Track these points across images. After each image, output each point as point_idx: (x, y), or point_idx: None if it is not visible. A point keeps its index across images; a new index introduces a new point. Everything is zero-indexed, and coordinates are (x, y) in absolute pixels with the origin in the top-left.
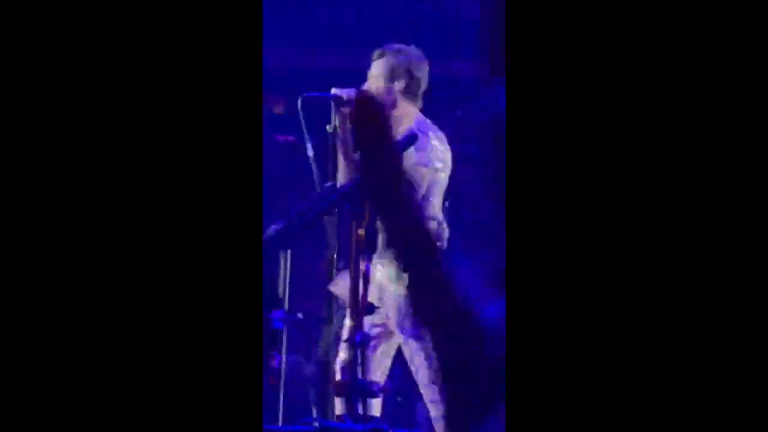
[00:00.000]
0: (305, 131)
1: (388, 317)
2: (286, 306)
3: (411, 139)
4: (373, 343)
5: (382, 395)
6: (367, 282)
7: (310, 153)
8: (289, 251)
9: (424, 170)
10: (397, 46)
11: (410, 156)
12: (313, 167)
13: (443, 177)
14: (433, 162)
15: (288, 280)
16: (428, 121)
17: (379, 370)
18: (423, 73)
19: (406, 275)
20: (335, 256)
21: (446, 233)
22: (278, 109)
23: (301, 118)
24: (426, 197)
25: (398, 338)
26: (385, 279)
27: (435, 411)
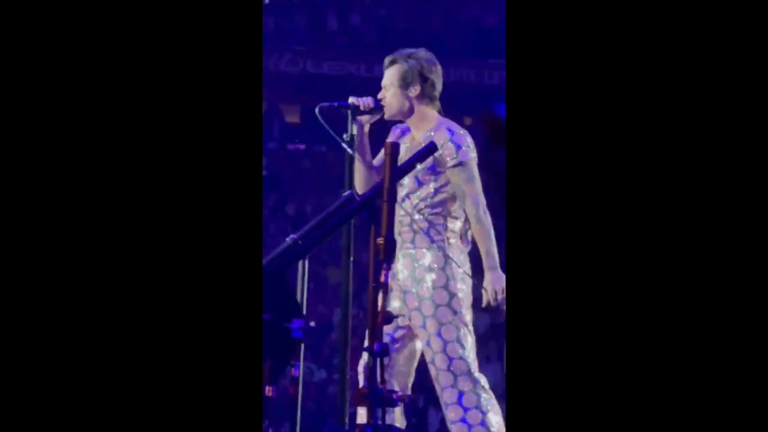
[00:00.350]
0: (335, 135)
1: (410, 320)
2: (304, 313)
3: (431, 149)
4: (397, 345)
5: (401, 404)
6: (386, 291)
7: (351, 151)
8: (306, 259)
9: (470, 164)
10: (407, 51)
11: (452, 155)
12: (354, 166)
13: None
14: (471, 156)
15: (306, 287)
16: (449, 122)
17: (404, 374)
18: (436, 76)
19: (426, 277)
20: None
21: (470, 234)
22: (292, 118)
23: (326, 126)
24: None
25: (421, 341)
26: (407, 282)
27: (454, 414)
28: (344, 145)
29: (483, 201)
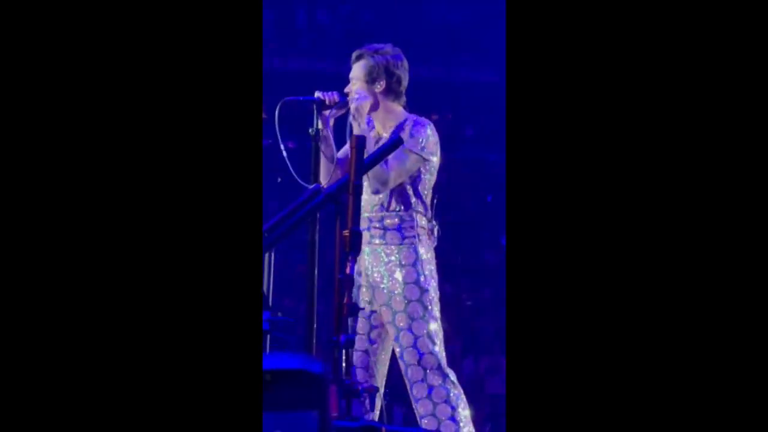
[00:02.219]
0: (278, 134)
1: (380, 315)
2: (270, 305)
3: (396, 143)
4: (375, 346)
5: (366, 395)
6: (351, 283)
7: (285, 154)
8: (272, 251)
9: (412, 156)
10: (374, 46)
11: (404, 139)
12: (290, 167)
13: (434, 170)
14: (422, 152)
15: (272, 279)
16: (418, 117)
17: (382, 370)
18: (402, 71)
19: (397, 273)
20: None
21: (437, 230)
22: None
23: (276, 122)
24: (417, 188)
25: (390, 336)
26: (376, 277)
27: (423, 409)
28: (282, 147)
29: (385, 174)
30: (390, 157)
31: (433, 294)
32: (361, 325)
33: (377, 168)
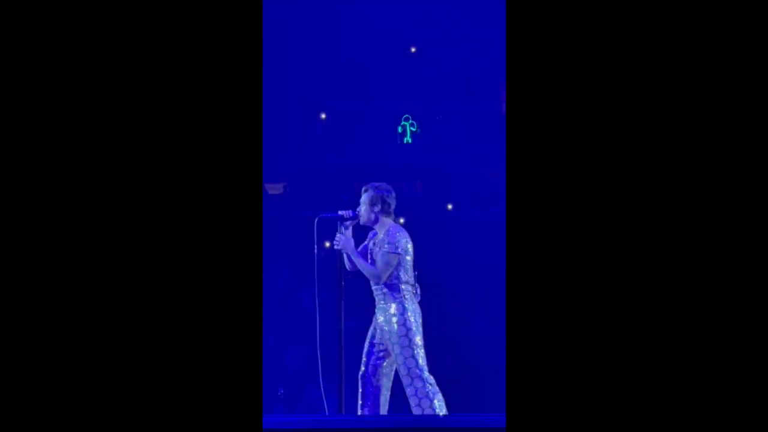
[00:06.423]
0: (316, 243)
1: (385, 344)
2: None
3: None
4: (380, 360)
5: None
6: None
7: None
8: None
9: (391, 256)
10: (375, 184)
11: (383, 246)
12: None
13: (408, 260)
14: (398, 249)
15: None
16: (398, 227)
17: (387, 375)
18: (391, 199)
19: (392, 320)
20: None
21: (419, 290)
22: (274, 190)
23: (315, 233)
24: (398, 270)
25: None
26: (382, 323)
27: (412, 401)
28: (315, 250)
29: (377, 273)
30: (378, 260)
31: (416, 330)
32: (375, 349)
33: (372, 271)
